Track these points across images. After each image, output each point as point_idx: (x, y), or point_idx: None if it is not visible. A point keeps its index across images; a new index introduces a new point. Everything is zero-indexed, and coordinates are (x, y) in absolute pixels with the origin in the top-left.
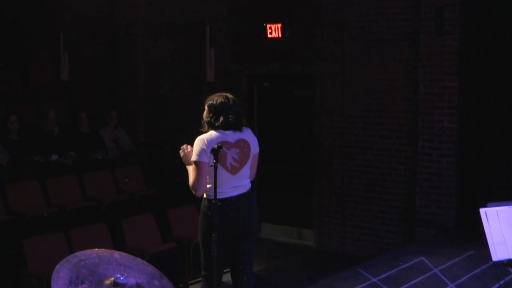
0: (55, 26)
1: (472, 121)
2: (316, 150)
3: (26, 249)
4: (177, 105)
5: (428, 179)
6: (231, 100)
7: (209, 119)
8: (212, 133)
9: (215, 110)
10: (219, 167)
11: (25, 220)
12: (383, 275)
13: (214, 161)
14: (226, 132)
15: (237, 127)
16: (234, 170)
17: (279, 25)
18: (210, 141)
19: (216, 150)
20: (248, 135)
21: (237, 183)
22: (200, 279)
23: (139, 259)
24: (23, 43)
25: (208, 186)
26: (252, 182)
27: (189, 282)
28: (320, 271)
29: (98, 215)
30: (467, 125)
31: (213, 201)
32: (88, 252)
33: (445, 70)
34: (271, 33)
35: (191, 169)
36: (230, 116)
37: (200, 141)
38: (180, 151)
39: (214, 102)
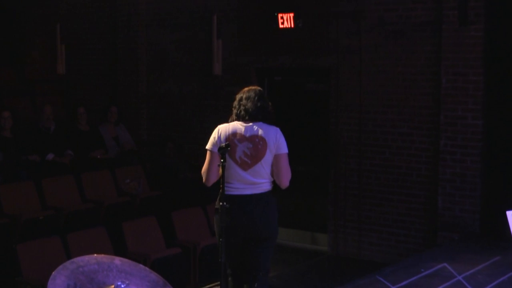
0: (51, 15)
1: (498, 117)
2: (330, 148)
3: (20, 254)
4: (182, 101)
5: (451, 179)
6: (255, 94)
7: (232, 112)
8: (230, 124)
9: (237, 102)
10: (229, 159)
11: (19, 224)
12: (403, 283)
13: (222, 160)
14: (245, 125)
15: (248, 119)
16: (244, 166)
17: (291, 15)
18: (223, 131)
19: (224, 149)
20: (267, 132)
21: (249, 181)
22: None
23: (141, 265)
24: (17, 34)
25: (226, 183)
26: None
27: None
28: (335, 278)
29: (97, 218)
30: (493, 121)
31: (221, 204)
32: (86, 258)
33: (469, 63)
34: (282, 23)
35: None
36: (245, 108)
37: (215, 130)
38: None
39: (240, 94)
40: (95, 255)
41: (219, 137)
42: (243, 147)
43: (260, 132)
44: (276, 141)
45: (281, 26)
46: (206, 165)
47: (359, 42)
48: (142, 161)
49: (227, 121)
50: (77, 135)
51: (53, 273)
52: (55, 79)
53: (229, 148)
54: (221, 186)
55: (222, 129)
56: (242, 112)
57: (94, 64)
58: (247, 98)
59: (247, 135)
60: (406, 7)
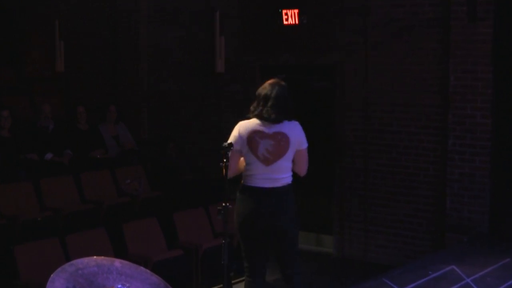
0: (50, 12)
1: (508, 116)
2: (336, 148)
3: (18, 256)
4: (183, 99)
5: (459, 180)
6: (276, 91)
7: (252, 107)
8: (250, 121)
9: (257, 99)
10: (251, 155)
11: (17, 225)
12: (410, 285)
13: (224, 159)
14: (266, 122)
15: (272, 121)
16: (266, 161)
17: (296, 11)
18: (243, 128)
19: (227, 148)
20: (290, 129)
21: (270, 176)
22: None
23: (142, 267)
24: (15, 32)
25: (244, 172)
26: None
27: None
28: (341, 281)
29: (97, 219)
30: (503, 120)
31: (223, 204)
32: (86, 260)
33: (478, 60)
34: (287, 19)
35: None
36: (266, 109)
37: (236, 126)
38: None
39: (260, 91)
40: (95, 257)
41: (239, 134)
42: (265, 144)
43: (283, 129)
44: (299, 138)
45: (285, 22)
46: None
47: (365, 39)
48: (142, 161)
49: (228, 121)
50: (76, 134)
51: (51, 275)
52: (54, 77)
53: (232, 148)
54: (241, 180)
55: (243, 126)
56: (266, 114)
57: (93, 62)
58: (272, 97)
59: (270, 132)
60: (414, 3)
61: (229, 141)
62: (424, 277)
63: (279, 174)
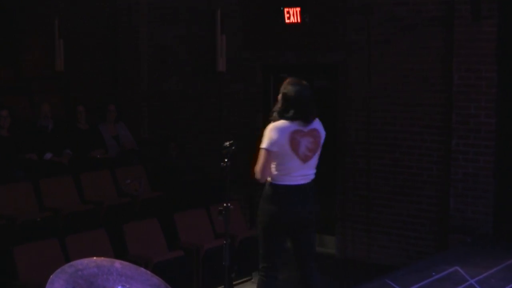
0: (49, 10)
1: None
2: (338, 148)
3: (17, 257)
4: (184, 99)
5: (463, 180)
6: (305, 91)
7: (280, 109)
8: (283, 122)
9: (288, 101)
10: (292, 155)
11: (16, 226)
12: (413, 287)
13: (226, 160)
14: (298, 121)
15: (307, 121)
16: (306, 159)
17: (298, 9)
18: (282, 130)
19: (228, 148)
20: (319, 125)
21: (305, 172)
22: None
23: (142, 269)
24: (14, 30)
25: (274, 173)
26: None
27: None
28: (343, 282)
29: (96, 220)
30: (507, 120)
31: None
32: (85, 261)
33: (482, 59)
34: (289, 18)
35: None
36: (302, 110)
37: (270, 129)
38: None
39: (288, 92)
40: (95, 258)
41: (278, 137)
42: (305, 142)
43: (315, 126)
44: (323, 132)
45: (287, 21)
46: (262, 164)
47: (367, 38)
48: (143, 161)
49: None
50: (76, 134)
51: (51, 277)
52: (53, 76)
53: (233, 147)
54: (269, 180)
55: (279, 128)
56: (303, 116)
57: (93, 61)
58: (300, 99)
59: (306, 130)
60: (417, 1)
61: (265, 145)
62: (427, 278)
63: (311, 170)
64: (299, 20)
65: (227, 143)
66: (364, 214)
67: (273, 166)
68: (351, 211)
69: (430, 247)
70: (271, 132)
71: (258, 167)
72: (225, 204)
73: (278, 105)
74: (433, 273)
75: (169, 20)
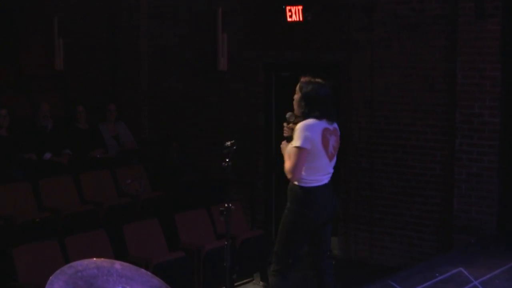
0: (49, 8)
1: None
2: (341, 147)
3: (16, 258)
4: (185, 98)
5: (467, 180)
6: (326, 89)
7: (303, 109)
8: (313, 121)
9: (311, 102)
10: (323, 153)
11: (15, 226)
12: None
13: (227, 159)
14: (324, 120)
15: (332, 119)
16: (331, 157)
17: (300, 7)
18: (314, 128)
19: (230, 148)
20: (337, 124)
21: (329, 170)
22: None
23: (142, 270)
24: (12, 28)
25: (302, 173)
26: (270, 183)
27: None
28: (346, 283)
29: (96, 221)
30: (511, 119)
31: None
32: (85, 262)
33: (486, 58)
34: (291, 16)
35: (290, 152)
36: (327, 108)
37: (303, 127)
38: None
39: (311, 92)
40: (95, 259)
41: (311, 135)
42: (332, 141)
43: (336, 125)
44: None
45: (289, 19)
46: (295, 162)
47: (370, 36)
48: (143, 160)
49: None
50: (75, 133)
51: (50, 278)
52: (53, 75)
53: (234, 147)
54: (296, 183)
55: (310, 126)
56: (329, 115)
57: (93, 60)
58: (326, 96)
59: (332, 128)
60: None
61: (300, 144)
62: (431, 280)
63: (332, 168)
64: (301, 19)
65: (228, 143)
66: (367, 214)
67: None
68: (354, 211)
69: (434, 248)
70: (304, 130)
71: (291, 166)
72: (226, 205)
73: (301, 105)
74: (437, 274)
75: (169, 19)
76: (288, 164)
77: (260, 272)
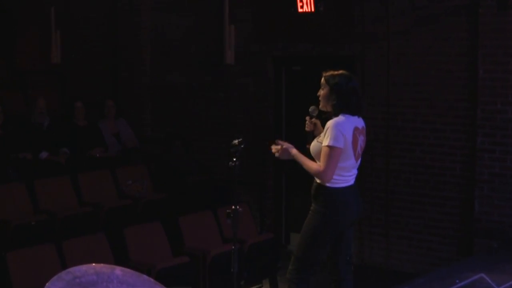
0: None
1: None
2: None
3: (10, 263)
4: (190, 93)
5: (489, 180)
6: (355, 82)
7: (334, 102)
8: (343, 118)
9: (342, 94)
10: (351, 152)
11: (10, 229)
12: None
13: (234, 159)
14: (353, 117)
15: (362, 115)
16: (358, 158)
17: None
18: (344, 127)
19: (237, 146)
20: (364, 122)
21: (355, 171)
22: None
23: (145, 276)
24: (7, 19)
25: (338, 177)
26: (280, 183)
27: None
28: None
29: (96, 224)
30: None
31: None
32: (84, 267)
33: (509, 51)
34: (302, 6)
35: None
36: (358, 103)
37: (335, 125)
38: (274, 150)
39: (340, 84)
40: (94, 264)
41: (343, 134)
42: (360, 141)
43: (363, 124)
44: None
45: (300, 10)
46: (330, 162)
47: (386, 28)
48: (145, 160)
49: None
50: (73, 131)
51: (46, 284)
52: (49, 69)
53: (242, 146)
54: (324, 184)
55: (342, 124)
56: (353, 104)
57: (92, 53)
58: (353, 91)
59: (360, 127)
60: None
61: (332, 143)
62: (450, 286)
63: (357, 168)
64: (313, 9)
65: (235, 141)
66: (383, 217)
67: None
68: (369, 214)
69: (453, 253)
70: (336, 129)
71: (325, 168)
72: (233, 207)
73: (331, 99)
74: (457, 281)
75: (173, 9)
76: (316, 166)
77: (269, 279)
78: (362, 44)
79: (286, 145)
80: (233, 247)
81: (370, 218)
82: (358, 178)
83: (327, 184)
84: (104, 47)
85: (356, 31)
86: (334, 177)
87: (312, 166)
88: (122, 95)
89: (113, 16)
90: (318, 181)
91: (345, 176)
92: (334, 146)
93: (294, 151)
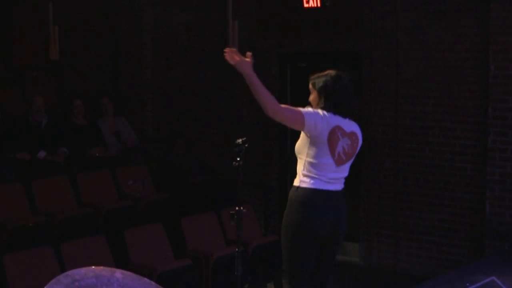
0: None
1: None
2: (362, 146)
3: (7, 266)
4: (192, 90)
5: (500, 181)
6: (349, 83)
7: (322, 105)
8: (329, 113)
9: (329, 96)
10: (327, 149)
11: (7, 231)
12: None
13: (238, 158)
14: (343, 118)
15: (348, 115)
16: (339, 161)
17: None
18: (328, 117)
19: (241, 146)
20: (358, 131)
21: (338, 176)
22: None
23: (146, 279)
24: (3, 15)
25: (304, 172)
26: (285, 184)
27: None
28: None
29: (95, 225)
30: None
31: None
32: (83, 270)
33: None
34: (307, 2)
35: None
36: (349, 102)
37: (319, 110)
38: (227, 56)
39: (326, 86)
40: (93, 267)
41: (324, 118)
42: (343, 143)
43: (355, 129)
44: (361, 136)
45: (306, 5)
46: (289, 110)
47: (395, 24)
48: (147, 159)
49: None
50: (72, 130)
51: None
52: (47, 66)
53: (246, 145)
54: (296, 184)
55: (325, 114)
56: (343, 106)
57: (91, 49)
58: (344, 88)
59: (348, 131)
60: None
61: (305, 110)
62: None
63: (343, 175)
64: (319, 4)
65: (239, 140)
66: (391, 218)
67: (305, 162)
68: (377, 216)
69: (464, 255)
70: (316, 111)
71: (280, 107)
72: (237, 208)
73: (320, 102)
74: (467, 284)
75: (175, 5)
76: (271, 97)
77: (274, 282)
78: (370, 40)
79: (242, 58)
80: (237, 249)
81: (378, 220)
82: (366, 178)
83: (301, 185)
84: (104, 43)
85: (363, 27)
86: (309, 177)
87: (266, 94)
88: (123, 93)
89: (114, 11)
90: (295, 183)
91: (320, 176)
92: (302, 111)
93: (249, 71)
